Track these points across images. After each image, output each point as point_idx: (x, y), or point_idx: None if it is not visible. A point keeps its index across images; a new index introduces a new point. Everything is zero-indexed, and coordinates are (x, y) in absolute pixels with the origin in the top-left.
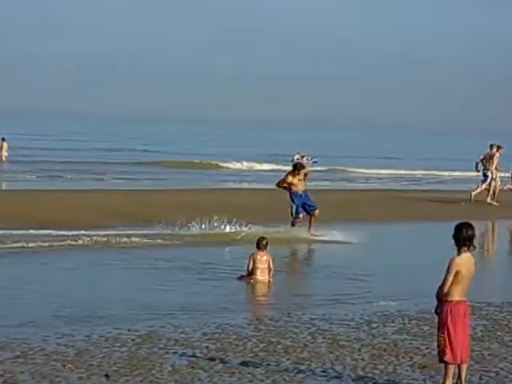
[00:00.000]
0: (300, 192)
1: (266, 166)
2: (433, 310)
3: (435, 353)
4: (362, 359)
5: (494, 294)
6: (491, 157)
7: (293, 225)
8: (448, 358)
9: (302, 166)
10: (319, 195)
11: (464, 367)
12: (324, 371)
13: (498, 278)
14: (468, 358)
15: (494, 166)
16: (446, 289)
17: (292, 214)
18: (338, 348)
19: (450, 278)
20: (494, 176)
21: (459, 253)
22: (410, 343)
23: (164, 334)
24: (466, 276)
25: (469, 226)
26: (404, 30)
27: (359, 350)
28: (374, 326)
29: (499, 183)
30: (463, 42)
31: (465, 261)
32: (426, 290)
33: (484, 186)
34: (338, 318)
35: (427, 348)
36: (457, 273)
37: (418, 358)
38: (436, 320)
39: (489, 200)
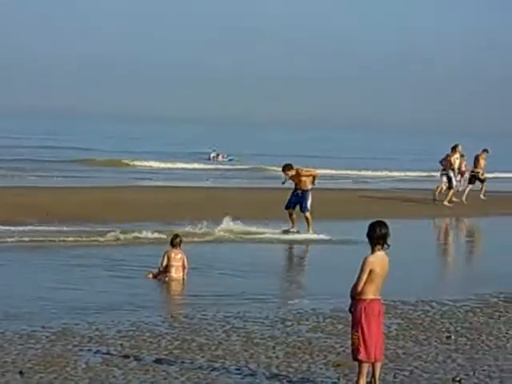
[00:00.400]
0: (298, 191)
1: (189, 165)
2: (347, 309)
3: (349, 351)
4: (277, 357)
5: (409, 293)
6: (451, 158)
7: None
8: (362, 356)
9: (290, 168)
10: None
11: (378, 366)
12: (238, 369)
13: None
14: (382, 356)
15: (456, 167)
16: (359, 287)
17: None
18: (253, 346)
19: (364, 277)
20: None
21: (373, 251)
22: (325, 341)
23: (78, 331)
24: (379, 274)
25: (382, 224)
26: (404, 29)
27: (273, 348)
28: (289, 324)
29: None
30: (463, 42)
31: (379, 259)
32: (340, 289)
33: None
34: (252, 316)
35: (341, 346)
36: (370, 271)
37: (333, 356)
38: (350, 318)
39: (446, 203)
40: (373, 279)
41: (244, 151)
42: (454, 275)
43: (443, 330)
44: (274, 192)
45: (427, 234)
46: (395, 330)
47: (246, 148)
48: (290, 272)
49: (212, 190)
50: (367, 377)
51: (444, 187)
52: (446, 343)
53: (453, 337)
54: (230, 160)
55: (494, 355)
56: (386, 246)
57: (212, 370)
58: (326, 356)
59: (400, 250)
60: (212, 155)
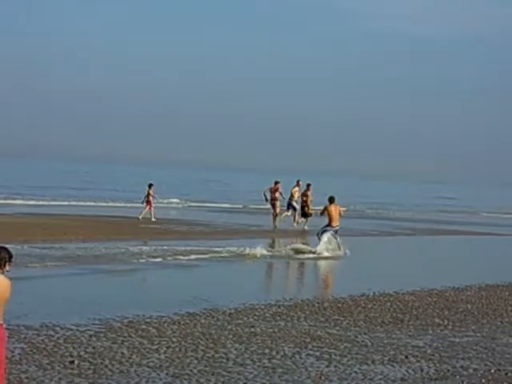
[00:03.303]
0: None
1: None
2: None
3: None
4: None
5: (32, 317)
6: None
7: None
8: None
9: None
10: None
11: None
12: None
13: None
14: (4, 381)
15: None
16: None
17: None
18: None
19: None
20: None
21: None
22: None
23: None
24: (1, 298)
25: (1, 248)
26: None
27: None
28: None
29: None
30: None
31: None
32: None
33: (296, 213)
34: None
35: None
36: None
37: None
38: None
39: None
40: None
41: None
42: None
43: (67, 354)
44: None
45: None
46: (19, 354)
47: None
48: None
49: None
50: None
51: (289, 213)
52: (70, 368)
53: (76, 361)
54: None
55: (117, 380)
56: (4, 270)
57: None
58: None
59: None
60: None
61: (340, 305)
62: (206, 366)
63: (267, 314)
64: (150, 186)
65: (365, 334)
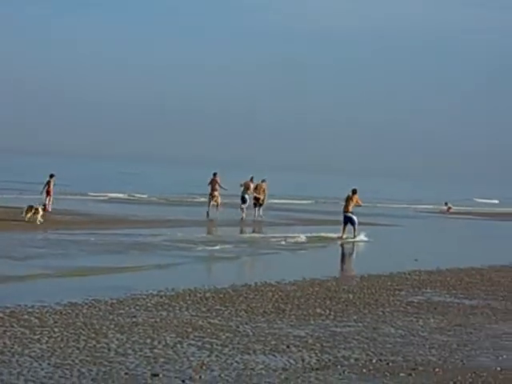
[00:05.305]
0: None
1: None
2: None
3: None
4: None
5: None
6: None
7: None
8: None
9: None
10: None
11: None
12: None
13: None
14: None
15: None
16: None
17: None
18: None
19: None
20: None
21: None
22: None
23: None
24: None
25: None
26: None
27: None
28: None
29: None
30: None
31: None
32: None
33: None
34: None
35: None
36: None
37: None
38: None
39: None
40: None
41: None
42: None
43: None
44: None
45: None
46: None
47: None
48: None
49: None
50: None
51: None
52: None
53: None
54: None
55: None
56: None
57: None
58: None
59: None
60: None
61: (222, 295)
62: (87, 356)
63: (149, 304)
64: (51, 176)
65: (246, 323)
